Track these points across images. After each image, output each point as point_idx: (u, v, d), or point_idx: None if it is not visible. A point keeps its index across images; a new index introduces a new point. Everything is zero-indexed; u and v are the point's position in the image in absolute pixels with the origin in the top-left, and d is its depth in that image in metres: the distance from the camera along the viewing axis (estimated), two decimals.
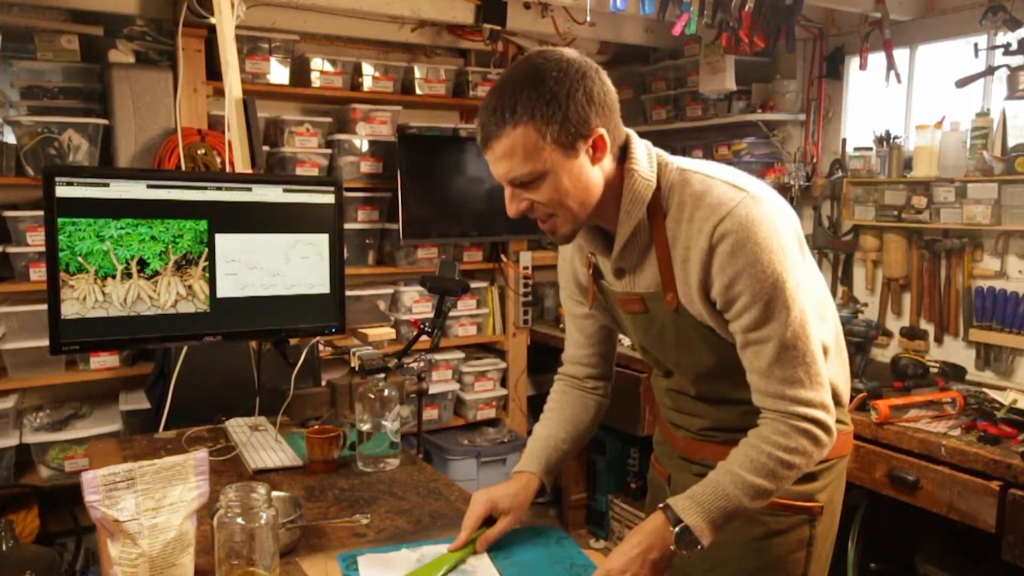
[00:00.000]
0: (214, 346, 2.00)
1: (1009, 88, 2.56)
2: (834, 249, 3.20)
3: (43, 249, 1.77)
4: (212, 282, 1.91)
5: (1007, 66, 2.57)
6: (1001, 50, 2.57)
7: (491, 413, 3.69)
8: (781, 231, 1.21)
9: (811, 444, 1.22)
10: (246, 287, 1.95)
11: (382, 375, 1.94)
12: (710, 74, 3.39)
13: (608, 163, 1.25)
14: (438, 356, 3.50)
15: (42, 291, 1.89)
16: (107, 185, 1.78)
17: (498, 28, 3.26)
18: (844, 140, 3.21)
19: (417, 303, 3.46)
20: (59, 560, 2.55)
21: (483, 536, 1.39)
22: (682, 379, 1.42)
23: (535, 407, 3.76)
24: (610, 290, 1.40)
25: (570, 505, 3.74)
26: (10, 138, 2.73)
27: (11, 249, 2.69)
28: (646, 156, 1.28)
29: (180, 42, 2.83)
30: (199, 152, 2.83)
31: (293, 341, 2.12)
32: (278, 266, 1.98)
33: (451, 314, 3.12)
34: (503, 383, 3.74)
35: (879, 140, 3.00)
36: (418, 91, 3.46)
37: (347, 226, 3.16)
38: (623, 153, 1.27)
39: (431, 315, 2.44)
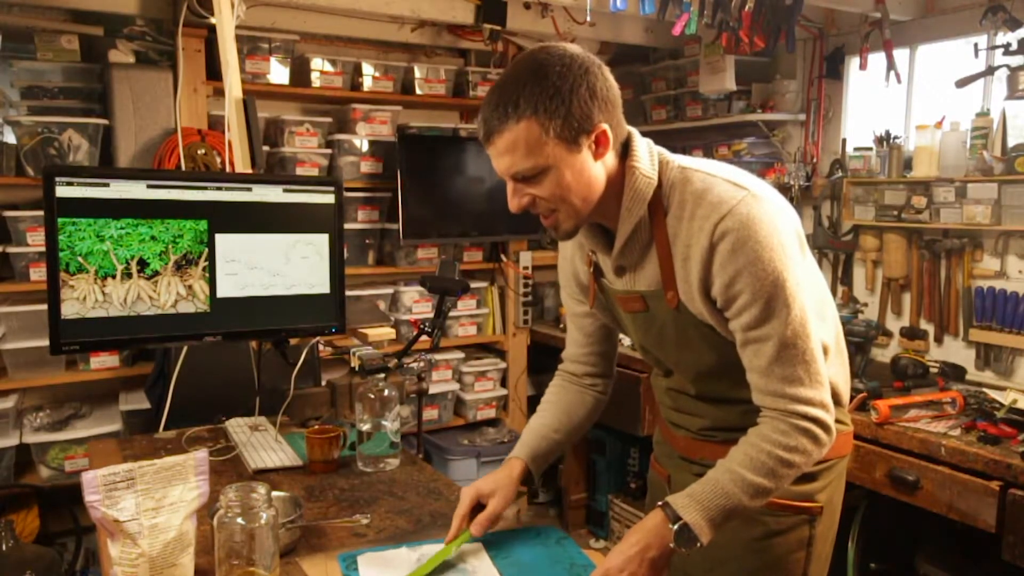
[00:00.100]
0: (214, 346, 2.00)
1: (1009, 88, 2.56)
2: (834, 249, 3.20)
3: (43, 249, 1.78)
4: (212, 282, 1.91)
5: (1007, 66, 2.57)
6: (1001, 50, 2.57)
7: (491, 413, 3.69)
8: (782, 230, 1.21)
9: (811, 443, 1.22)
10: (246, 287, 1.95)
11: (382, 375, 1.94)
12: (710, 74, 3.39)
13: (610, 159, 1.25)
14: (438, 356, 3.50)
15: (42, 291, 1.89)
16: (107, 185, 1.78)
17: (498, 28, 3.26)
18: (844, 140, 3.21)
19: (417, 303, 3.46)
20: (59, 560, 2.55)
21: (476, 520, 1.39)
22: (682, 378, 1.42)
23: (535, 407, 3.70)
24: (610, 288, 1.40)
25: (570, 505, 3.74)
26: (10, 138, 2.73)
27: (11, 249, 2.69)
28: (647, 154, 1.28)
29: (180, 42, 2.83)
30: (199, 152, 2.83)
31: (293, 341, 2.12)
32: (278, 266, 1.98)
33: (451, 314, 3.12)
34: (503, 383, 3.74)
35: (879, 140, 3.00)
36: (418, 91, 3.46)
37: (347, 226, 3.16)
38: (625, 150, 1.27)
39: (431, 315, 2.44)
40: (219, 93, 2.88)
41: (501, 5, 3.22)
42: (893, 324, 3.05)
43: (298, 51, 3.23)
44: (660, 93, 3.82)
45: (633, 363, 3.04)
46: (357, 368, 2.03)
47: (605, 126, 1.20)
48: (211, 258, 1.90)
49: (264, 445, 1.89)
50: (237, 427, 2.01)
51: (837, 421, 1.39)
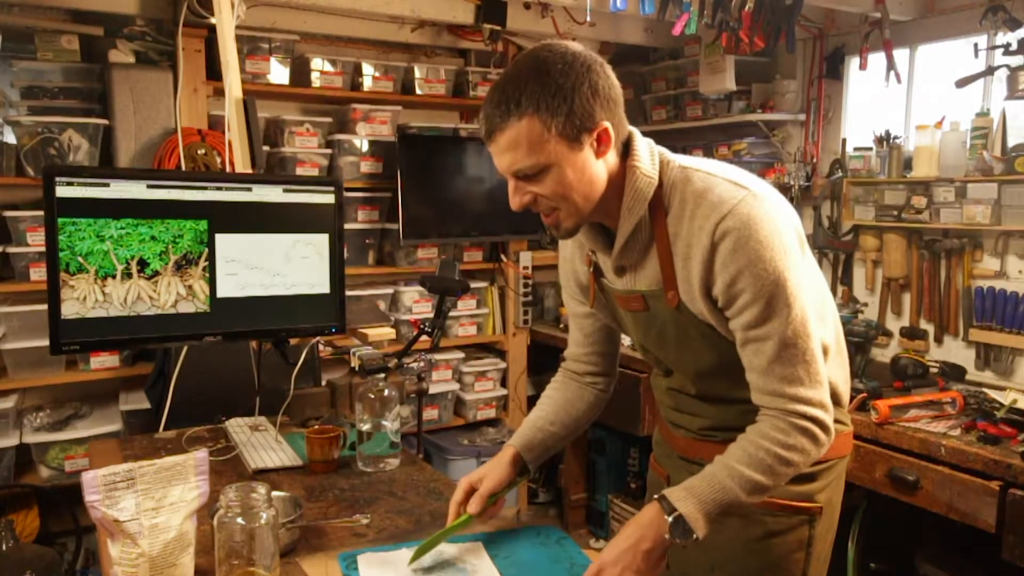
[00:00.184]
0: (214, 346, 2.00)
1: (1009, 88, 2.56)
2: (834, 249, 3.20)
3: (43, 249, 1.78)
4: (212, 282, 1.91)
5: (1007, 66, 2.57)
6: (1001, 50, 2.57)
7: (491, 413, 3.69)
8: (782, 229, 1.21)
9: (809, 442, 1.22)
10: (246, 287, 1.95)
11: (382, 375, 1.94)
12: (710, 74, 3.39)
13: (612, 158, 1.25)
14: (438, 356, 3.50)
15: (42, 291, 1.89)
16: (107, 185, 1.78)
17: (498, 28, 3.26)
18: (844, 140, 3.21)
19: (417, 303, 3.46)
20: (59, 560, 2.55)
21: (472, 499, 1.40)
22: (682, 378, 1.42)
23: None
24: (611, 288, 1.40)
25: (570, 505, 3.74)
26: (10, 138, 2.73)
27: (11, 249, 2.69)
28: (648, 153, 1.28)
29: (180, 42, 2.83)
30: (199, 152, 2.83)
31: (293, 341, 2.12)
32: (278, 266, 1.98)
33: (451, 314, 3.12)
34: (503, 383, 3.74)
35: (879, 140, 3.00)
36: (418, 91, 3.46)
37: (347, 226, 3.16)
38: (626, 150, 1.27)
39: (431, 315, 2.44)
40: (219, 93, 2.88)
41: (501, 5, 3.22)
42: (893, 324, 3.05)
43: (298, 51, 3.23)
44: (660, 93, 3.82)
45: (633, 363, 3.04)
46: (357, 368, 2.03)
47: (607, 124, 1.20)
48: (211, 258, 1.90)
49: (264, 445, 1.89)
50: (237, 427, 2.01)
51: (837, 421, 1.39)
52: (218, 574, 1.22)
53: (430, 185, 3.39)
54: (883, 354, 3.00)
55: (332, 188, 2.05)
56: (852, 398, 2.29)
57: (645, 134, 1.32)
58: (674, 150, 1.33)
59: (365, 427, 1.81)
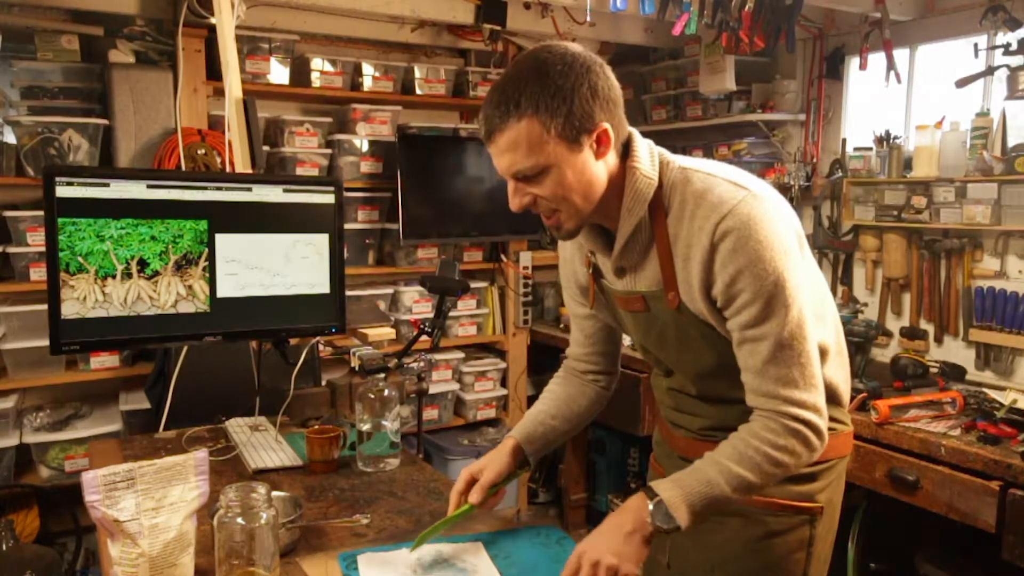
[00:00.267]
0: (214, 346, 2.00)
1: (1009, 88, 2.56)
2: (834, 249, 3.20)
3: (43, 249, 1.78)
4: (212, 282, 1.91)
5: (1007, 66, 2.57)
6: (1001, 50, 2.57)
7: (491, 413, 3.69)
8: (782, 230, 1.21)
9: (801, 445, 1.21)
10: (246, 287, 1.95)
11: (382, 375, 1.94)
12: (710, 74, 3.39)
13: (612, 159, 1.25)
14: (438, 356, 3.50)
15: (42, 291, 1.89)
16: (107, 185, 1.78)
17: (498, 28, 3.26)
18: (844, 140, 3.21)
19: (417, 303, 3.46)
20: (59, 560, 2.55)
21: (473, 490, 1.41)
22: (683, 378, 1.42)
23: None
24: (611, 289, 1.40)
25: (570, 505, 3.74)
26: (10, 138, 2.73)
27: (11, 249, 2.69)
28: (648, 154, 1.28)
29: (180, 42, 2.83)
30: (199, 152, 2.83)
31: (293, 341, 2.12)
32: (278, 266, 1.98)
33: (451, 314, 3.12)
34: (503, 383, 3.74)
35: (879, 140, 3.00)
36: (418, 91, 3.46)
37: (347, 226, 3.16)
38: (626, 151, 1.27)
39: (431, 315, 2.44)
40: (219, 93, 2.88)
41: (501, 5, 3.22)
42: (893, 324, 3.05)
43: (298, 51, 3.23)
44: (660, 93, 3.82)
45: (633, 363, 3.04)
46: (357, 368, 2.03)
47: (607, 125, 1.20)
48: (211, 258, 1.90)
49: (264, 445, 1.89)
50: (237, 427, 2.01)
51: (838, 421, 1.40)
52: (218, 574, 1.22)
53: (430, 185, 3.39)
54: (883, 354, 3.00)
55: (332, 188, 2.05)
56: (852, 398, 2.29)
57: (645, 134, 1.32)
58: (674, 150, 1.33)
59: (365, 427, 1.81)
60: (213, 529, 1.22)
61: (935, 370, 2.59)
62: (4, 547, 2.49)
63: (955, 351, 2.84)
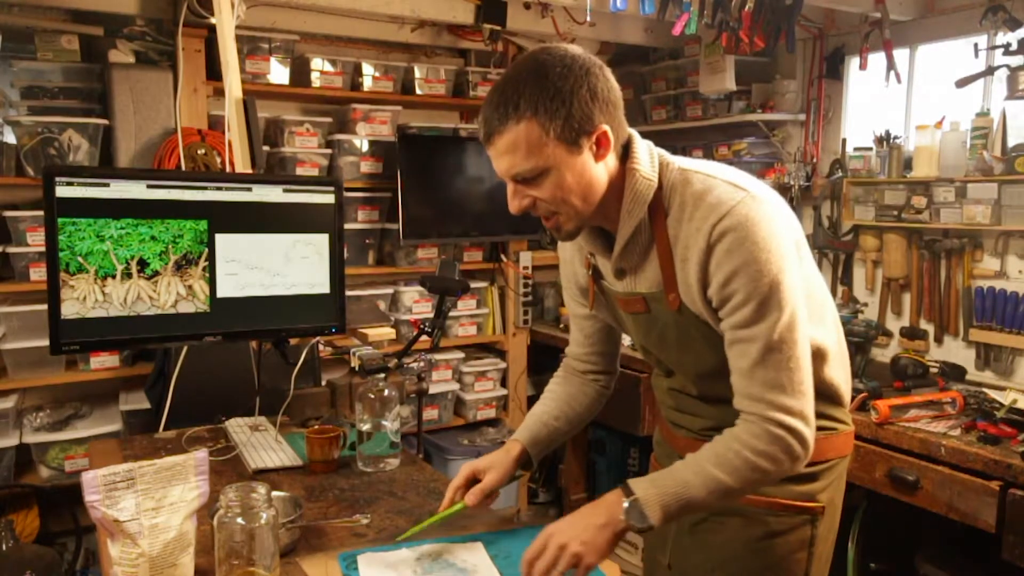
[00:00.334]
0: (214, 346, 2.00)
1: (1009, 88, 2.56)
2: (834, 249, 3.20)
3: (43, 249, 1.78)
4: (212, 282, 1.91)
5: (1007, 66, 2.57)
6: (1001, 50, 2.57)
7: (491, 413, 3.69)
8: (780, 232, 1.20)
9: (783, 453, 1.19)
10: (246, 287, 1.95)
11: (382, 375, 1.94)
12: (710, 74, 3.39)
13: (611, 161, 1.25)
14: (438, 356, 3.50)
15: (42, 291, 1.89)
16: (107, 185, 1.78)
17: (498, 28, 3.26)
18: (844, 140, 3.21)
19: (417, 303, 3.46)
20: (59, 560, 2.55)
21: (471, 491, 1.41)
22: (683, 379, 1.42)
23: None
24: (611, 290, 1.40)
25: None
26: (10, 138, 2.73)
27: (11, 249, 2.69)
28: (648, 156, 1.28)
29: (180, 42, 2.83)
30: (199, 152, 2.83)
31: (293, 341, 2.12)
32: (278, 266, 1.98)
33: (451, 314, 3.12)
34: (503, 383, 3.74)
35: (879, 140, 3.00)
36: (418, 91, 3.46)
37: (347, 226, 3.16)
38: (625, 152, 1.27)
39: (431, 315, 2.44)
40: (219, 93, 2.88)
41: (501, 5, 3.22)
42: (893, 324, 3.05)
43: (298, 51, 3.23)
44: (660, 93, 3.82)
45: (633, 363, 3.04)
46: (357, 368, 2.03)
47: (606, 127, 1.20)
48: (211, 258, 1.90)
49: (264, 445, 1.89)
50: (237, 427, 2.01)
51: (839, 421, 1.40)
52: (218, 574, 1.22)
53: (430, 185, 3.39)
54: (883, 354, 3.00)
55: (332, 188, 2.05)
56: (852, 398, 2.29)
57: (645, 134, 1.31)
58: (674, 150, 1.33)
59: (365, 427, 1.81)
60: (213, 529, 1.22)
61: (935, 370, 2.59)
62: (4, 547, 2.49)
63: (955, 351, 2.84)
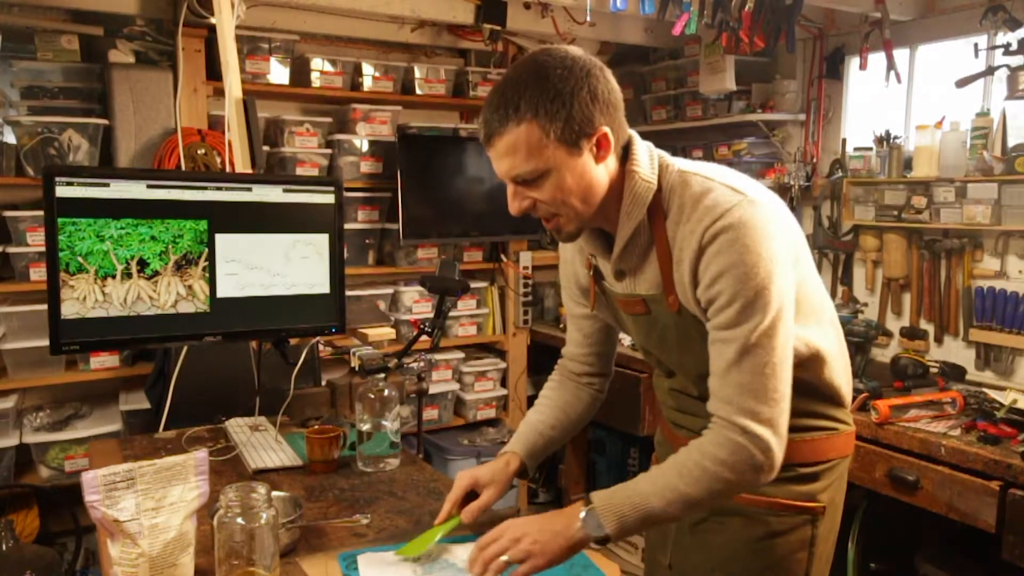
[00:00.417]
0: (214, 346, 2.00)
1: (1009, 88, 2.56)
2: (834, 249, 3.20)
3: (43, 249, 1.78)
4: (212, 282, 1.91)
5: (1007, 66, 2.57)
6: (1001, 50, 2.57)
7: (491, 413, 3.69)
8: (773, 237, 1.19)
9: (745, 464, 1.16)
10: (246, 287, 1.95)
11: (382, 375, 1.94)
12: (710, 74, 3.39)
13: (611, 162, 1.25)
14: (438, 356, 3.50)
15: (42, 291, 1.89)
16: (107, 185, 1.78)
17: (498, 28, 3.26)
18: (844, 140, 3.21)
19: (417, 303, 3.46)
20: (59, 560, 2.55)
21: (467, 508, 1.41)
22: (684, 379, 1.42)
23: None
24: (611, 291, 1.40)
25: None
26: (10, 138, 2.73)
27: (11, 249, 2.69)
28: (647, 158, 1.28)
29: (180, 42, 2.83)
30: (199, 152, 2.83)
31: (293, 341, 2.12)
32: (278, 266, 1.98)
33: (451, 314, 3.12)
34: (503, 383, 3.74)
35: (879, 140, 3.00)
36: (418, 91, 3.46)
37: (347, 226, 3.16)
38: (625, 154, 1.27)
39: (431, 315, 2.44)
40: (219, 93, 2.88)
41: (501, 5, 3.22)
42: (893, 324, 3.05)
43: (298, 51, 3.23)
44: (660, 93, 3.82)
45: (633, 363, 3.04)
46: (357, 368, 2.03)
47: (606, 129, 1.20)
48: (211, 258, 1.90)
49: (264, 445, 1.89)
50: (237, 427, 2.01)
51: (840, 421, 1.40)
52: (218, 574, 1.22)
53: (430, 185, 3.39)
54: (883, 354, 3.00)
55: (332, 188, 2.05)
56: (853, 398, 2.29)
57: (645, 134, 1.31)
58: (674, 150, 1.33)
59: (365, 427, 1.81)
60: (213, 529, 1.22)
61: (935, 370, 2.59)
62: (4, 547, 2.49)
63: (955, 351, 2.84)
